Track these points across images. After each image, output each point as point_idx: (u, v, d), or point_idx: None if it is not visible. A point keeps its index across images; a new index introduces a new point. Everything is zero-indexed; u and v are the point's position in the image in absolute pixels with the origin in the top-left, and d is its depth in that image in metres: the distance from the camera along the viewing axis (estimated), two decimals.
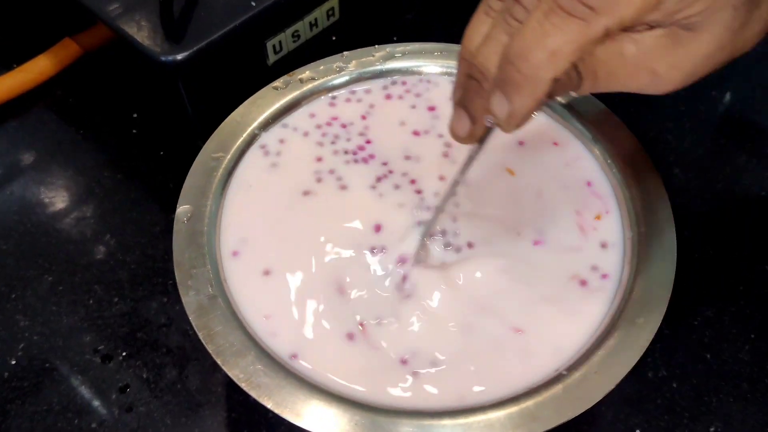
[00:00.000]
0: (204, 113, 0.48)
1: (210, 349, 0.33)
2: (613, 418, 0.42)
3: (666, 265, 0.36)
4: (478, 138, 0.34)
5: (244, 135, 0.41)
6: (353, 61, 0.44)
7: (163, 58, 0.43)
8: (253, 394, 0.32)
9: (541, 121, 0.43)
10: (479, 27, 0.31)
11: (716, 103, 0.57)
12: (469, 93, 0.32)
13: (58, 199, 0.51)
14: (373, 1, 0.55)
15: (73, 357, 0.44)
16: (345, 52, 0.44)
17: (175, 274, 0.36)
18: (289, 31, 0.49)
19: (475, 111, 0.32)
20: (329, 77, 0.43)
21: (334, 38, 0.53)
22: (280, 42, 0.49)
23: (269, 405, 0.32)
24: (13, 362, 0.44)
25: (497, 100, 0.29)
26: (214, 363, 0.44)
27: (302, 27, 0.49)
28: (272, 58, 0.49)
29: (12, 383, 0.43)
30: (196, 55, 0.44)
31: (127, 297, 0.47)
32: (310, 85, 0.43)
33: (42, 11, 0.58)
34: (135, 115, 0.55)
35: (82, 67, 0.58)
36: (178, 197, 0.51)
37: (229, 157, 0.40)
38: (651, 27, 0.30)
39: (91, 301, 0.46)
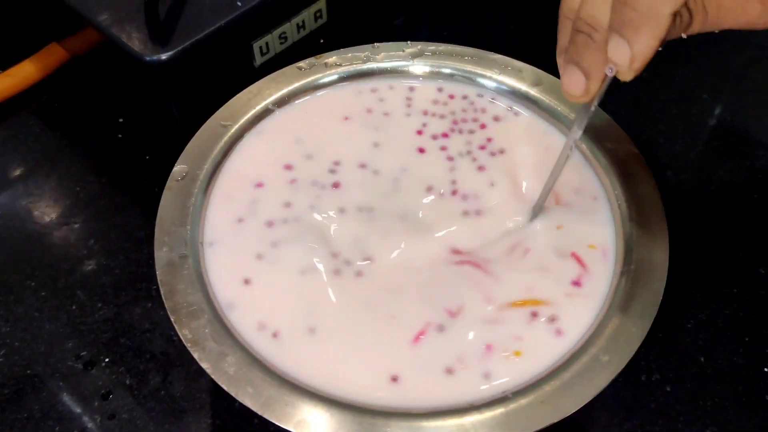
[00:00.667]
0: (189, 115, 0.47)
1: (167, 305, 0.33)
2: (606, 422, 0.41)
3: (648, 306, 0.35)
4: (594, 93, 0.33)
5: (257, 108, 0.41)
6: (382, 53, 0.44)
7: (147, 58, 0.43)
8: (196, 355, 0.32)
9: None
10: None
11: (708, 106, 0.57)
12: (579, 48, 0.32)
13: (41, 204, 0.51)
14: (361, 4, 0.55)
15: (54, 363, 0.44)
16: (376, 43, 0.44)
17: (155, 228, 0.36)
18: (276, 32, 0.48)
19: (588, 65, 0.32)
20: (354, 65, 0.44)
21: (321, 41, 0.53)
22: (267, 44, 0.48)
23: (205, 366, 0.32)
24: None
25: (616, 46, 0.30)
26: (199, 369, 0.44)
27: (289, 29, 0.49)
28: (259, 59, 0.49)
29: None
30: (181, 55, 0.43)
31: (111, 302, 0.46)
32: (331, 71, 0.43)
33: (29, 16, 0.58)
34: (120, 120, 0.55)
35: (68, 72, 0.57)
36: None
37: (237, 126, 0.40)
38: None
39: (73, 307, 0.46)
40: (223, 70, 0.47)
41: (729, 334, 0.45)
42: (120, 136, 0.54)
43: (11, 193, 0.52)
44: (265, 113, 0.41)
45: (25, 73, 0.56)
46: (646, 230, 0.37)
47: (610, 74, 0.32)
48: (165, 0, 0.46)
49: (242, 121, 0.40)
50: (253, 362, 0.32)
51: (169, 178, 0.38)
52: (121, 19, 0.45)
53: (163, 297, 0.33)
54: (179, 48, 0.43)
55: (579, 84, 0.33)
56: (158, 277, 0.34)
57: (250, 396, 0.31)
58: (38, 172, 0.53)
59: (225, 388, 0.31)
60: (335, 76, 0.43)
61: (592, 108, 0.34)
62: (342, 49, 0.44)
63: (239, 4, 0.45)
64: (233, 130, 0.40)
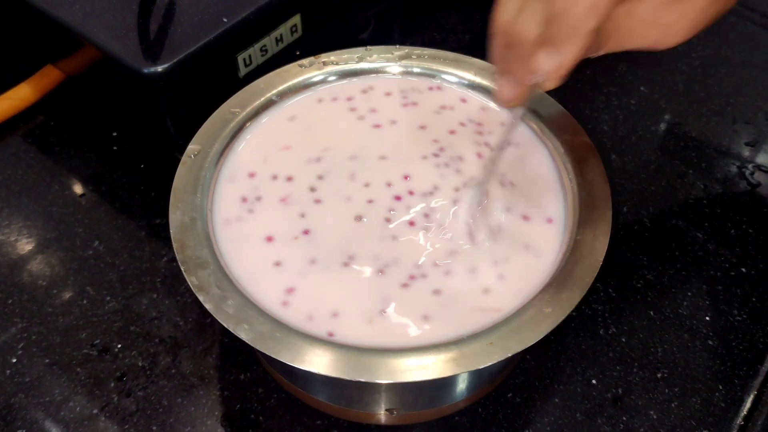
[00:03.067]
0: (181, 123, 0.52)
1: (179, 257, 0.37)
2: (571, 371, 0.46)
3: (588, 271, 0.38)
4: (524, 98, 0.38)
5: (262, 99, 0.46)
6: (374, 55, 0.49)
7: (145, 70, 0.47)
8: (201, 297, 0.36)
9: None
10: (508, 3, 0.36)
11: (645, 96, 0.63)
12: (511, 60, 0.37)
13: (45, 213, 0.54)
14: (330, 20, 0.60)
15: (71, 352, 0.47)
16: (370, 46, 0.49)
17: (170, 196, 0.40)
18: (258, 45, 0.53)
19: (519, 74, 0.37)
20: (347, 65, 0.48)
21: (298, 53, 0.58)
22: (249, 56, 0.53)
23: (208, 306, 0.36)
24: (14, 360, 0.47)
25: (544, 57, 0.34)
26: (205, 349, 0.48)
27: (269, 42, 0.54)
28: (243, 70, 0.53)
29: (15, 379, 0.46)
30: (175, 66, 0.48)
31: (119, 295, 0.50)
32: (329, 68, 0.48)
33: (24, 40, 0.62)
34: (114, 134, 0.59)
35: (62, 93, 0.61)
36: (160, 204, 0.55)
37: (244, 113, 0.45)
38: None
39: (84, 301, 0.49)
40: (211, 80, 0.52)
41: (673, 291, 0.50)
42: (115, 148, 0.58)
43: (17, 204, 0.55)
44: (269, 103, 0.46)
45: (22, 95, 0.59)
46: (592, 209, 0.41)
47: (535, 81, 0.36)
48: (155, 18, 0.51)
49: (248, 108, 0.45)
50: (249, 305, 0.36)
51: (184, 154, 0.42)
52: (117, 37, 0.49)
53: (175, 251, 0.37)
54: (174, 60, 0.48)
55: (512, 91, 0.38)
56: (172, 235, 0.38)
57: (245, 331, 0.35)
58: (40, 184, 0.56)
59: (224, 324, 0.35)
60: (330, 74, 0.48)
61: (522, 112, 0.40)
62: (337, 51, 0.49)
63: (225, 20, 0.50)
64: (240, 116, 0.44)
